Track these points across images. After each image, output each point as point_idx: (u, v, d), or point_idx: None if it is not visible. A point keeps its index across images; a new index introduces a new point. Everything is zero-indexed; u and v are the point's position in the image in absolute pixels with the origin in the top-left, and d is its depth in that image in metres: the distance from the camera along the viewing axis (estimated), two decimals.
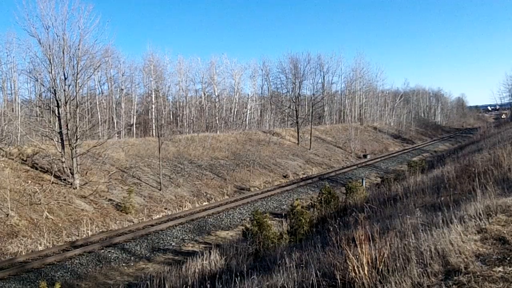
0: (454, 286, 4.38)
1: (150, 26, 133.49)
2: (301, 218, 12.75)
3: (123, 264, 13.63)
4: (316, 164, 34.82)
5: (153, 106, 40.69)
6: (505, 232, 5.61)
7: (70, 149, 19.84)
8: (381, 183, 21.56)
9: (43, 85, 25.08)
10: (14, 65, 35.49)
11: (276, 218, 18.65)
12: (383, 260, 5.10)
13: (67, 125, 20.18)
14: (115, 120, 38.41)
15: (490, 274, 4.43)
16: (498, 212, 6.45)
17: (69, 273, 12.51)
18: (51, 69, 20.05)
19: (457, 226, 5.83)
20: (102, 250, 14.20)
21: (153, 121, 39.72)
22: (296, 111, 43.53)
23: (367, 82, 65.68)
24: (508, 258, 4.78)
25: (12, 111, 32.52)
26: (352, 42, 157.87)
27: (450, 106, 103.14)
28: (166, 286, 9.27)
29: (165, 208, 20.20)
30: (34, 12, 19.93)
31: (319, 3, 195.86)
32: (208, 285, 6.93)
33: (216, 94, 47.33)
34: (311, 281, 5.29)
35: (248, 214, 19.19)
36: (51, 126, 21.59)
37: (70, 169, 19.79)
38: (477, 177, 9.57)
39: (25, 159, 20.61)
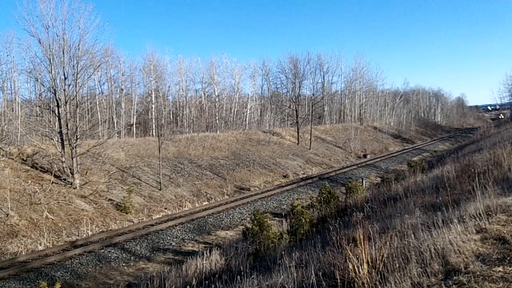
0: (454, 286, 4.38)
1: (150, 26, 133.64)
2: (301, 218, 12.76)
3: (123, 264, 13.63)
4: (316, 164, 34.82)
5: (153, 106, 40.68)
6: (505, 232, 5.61)
7: (70, 149, 19.83)
8: (381, 183, 21.52)
9: (43, 85, 25.12)
10: (14, 65, 35.50)
11: (276, 218, 18.65)
12: (383, 260, 5.10)
13: (67, 125, 20.17)
14: (115, 120, 38.40)
15: (490, 274, 4.43)
16: (498, 212, 6.45)
17: (69, 272, 12.51)
18: (51, 69, 20.05)
19: (457, 226, 5.83)
20: (102, 250, 14.20)
21: (153, 121, 39.73)
22: (296, 111, 43.52)
23: (367, 82, 65.73)
24: (508, 258, 4.78)
25: (12, 111, 32.48)
26: (352, 42, 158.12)
27: (450, 106, 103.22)
28: (166, 286, 9.29)
29: (165, 208, 20.20)
30: (34, 12, 19.95)
31: (319, 3, 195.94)
32: (208, 285, 6.93)
33: (216, 94, 47.33)
34: (311, 281, 5.29)
35: (248, 214, 19.20)
36: (51, 126, 21.57)
37: (70, 169, 19.79)
38: (477, 177, 9.56)
39: (25, 159, 20.61)
